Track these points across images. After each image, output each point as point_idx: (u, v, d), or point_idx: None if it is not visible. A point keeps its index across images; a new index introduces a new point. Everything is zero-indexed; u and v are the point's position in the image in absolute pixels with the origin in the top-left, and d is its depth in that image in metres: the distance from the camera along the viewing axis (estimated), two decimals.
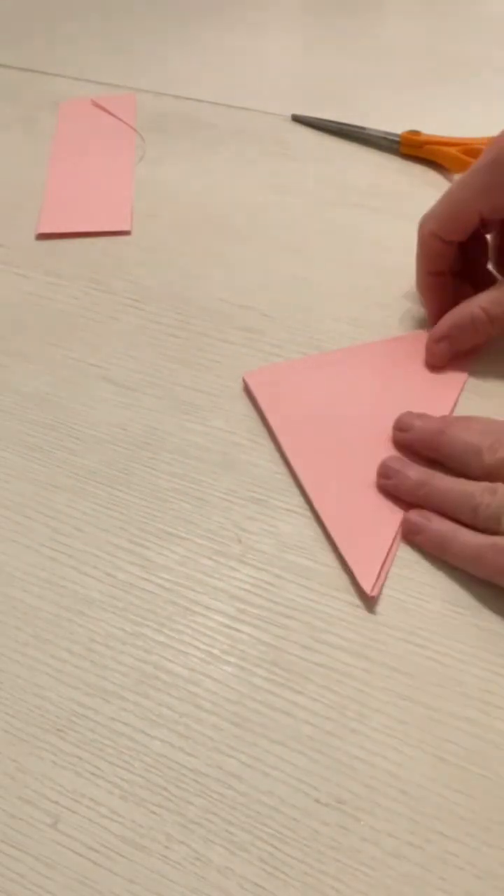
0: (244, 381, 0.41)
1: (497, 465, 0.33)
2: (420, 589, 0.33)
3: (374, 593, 0.32)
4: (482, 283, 0.42)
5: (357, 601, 0.33)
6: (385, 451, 0.37)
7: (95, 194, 0.56)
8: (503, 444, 0.34)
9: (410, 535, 0.34)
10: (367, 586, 0.32)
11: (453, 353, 0.41)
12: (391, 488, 0.35)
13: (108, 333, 0.45)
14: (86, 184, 0.57)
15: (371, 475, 0.36)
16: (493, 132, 0.57)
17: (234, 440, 0.39)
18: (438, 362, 0.41)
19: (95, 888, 0.26)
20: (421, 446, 0.37)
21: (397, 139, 0.59)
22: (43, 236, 0.53)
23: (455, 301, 0.42)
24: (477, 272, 0.44)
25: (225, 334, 0.45)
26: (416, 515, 0.34)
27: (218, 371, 0.43)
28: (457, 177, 0.42)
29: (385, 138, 0.60)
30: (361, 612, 0.32)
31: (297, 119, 0.64)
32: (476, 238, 0.42)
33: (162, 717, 0.29)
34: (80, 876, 0.26)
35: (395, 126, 0.60)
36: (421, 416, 0.37)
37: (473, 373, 0.41)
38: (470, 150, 0.56)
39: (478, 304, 0.40)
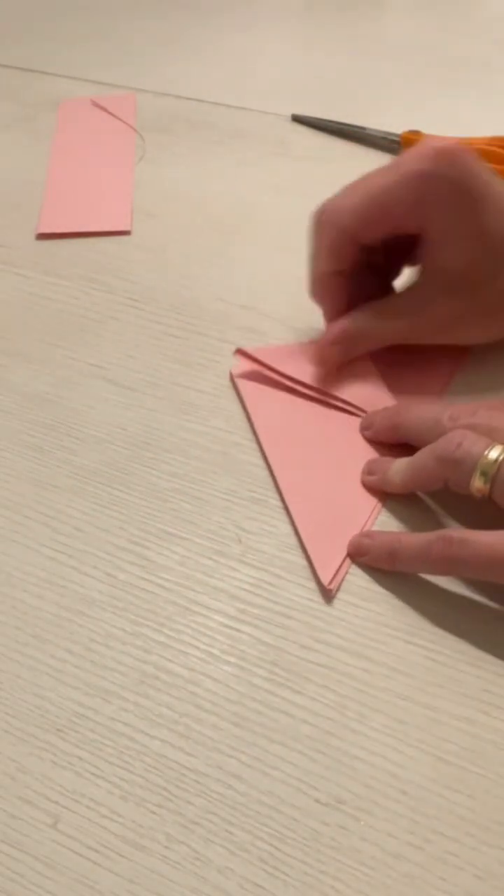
0: (231, 374, 0.42)
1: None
2: (421, 588, 0.33)
3: (332, 586, 0.33)
4: (370, 285, 0.41)
5: (357, 601, 0.33)
6: (361, 444, 0.38)
7: (95, 194, 0.56)
8: (463, 414, 0.34)
9: (358, 557, 0.34)
10: (325, 578, 0.33)
11: (347, 358, 0.40)
12: (375, 483, 0.36)
13: (108, 333, 0.45)
14: (86, 184, 0.57)
15: (345, 470, 0.37)
16: (494, 132, 0.58)
17: (234, 440, 0.39)
18: (330, 366, 0.40)
19: (95, 888, 0.26)
20: (384, 432, 0.37)
21: (397, 139, 0.59)
22: (43, 236, 0.53)
23: (350, 300, 0.40)
24: (367, 274, 0.41)
25: (225, 334, 0.45)
26: (358, 537, 0.34)
27: (218, 371, 0.43)
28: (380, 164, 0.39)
29: (385, 138, 0.60)
30: (362, 612, 0.32)
31: (297, 119, 0.64)
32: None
33: (162, 717, 0.30)
34: (80, 876, 0.26)
35: (395, 126, 0.60)
36: (381, 410, 0.38)
37: (463, 369, 0.41)
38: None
39: (373, 314, 0.40)
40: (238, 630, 0.32)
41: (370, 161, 0.59)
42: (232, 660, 0.31)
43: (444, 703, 0.29)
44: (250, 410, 0.40)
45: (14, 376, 0.43)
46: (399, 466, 0.35)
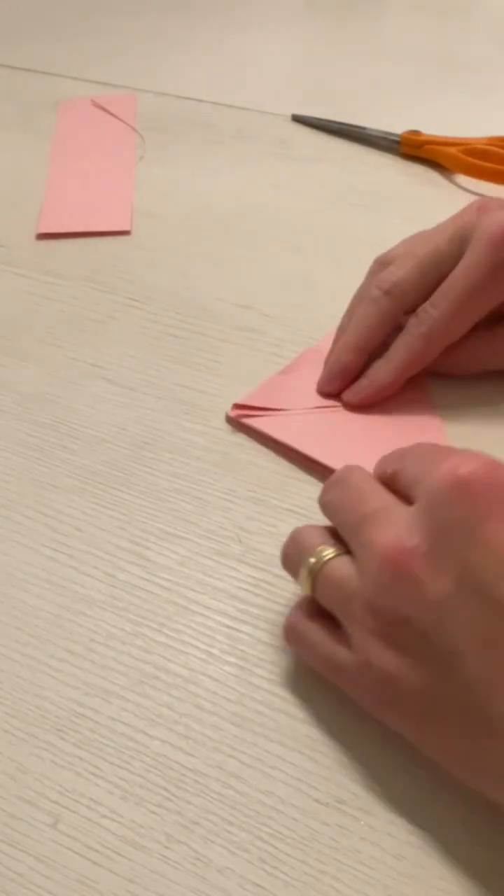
0: (229, 416, 0.40)
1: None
2: None
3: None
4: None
5: None
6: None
7: (95, 194, 0.56)
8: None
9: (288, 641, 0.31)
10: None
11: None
12: None
13: (108, 333, 0.45)
14: (86, 184, 0.57)
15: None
16: (493, 132, 0.58)
17: (234, 440, 0.39)
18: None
19: (95, 888, 0.26)
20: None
21: (397, 139, 0.59)
22: (43, 236, 0.53)
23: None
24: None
25: (225, 334, 0.45)
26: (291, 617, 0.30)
27: (218, 371, 0.43)
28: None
29: (385, 138, 0.60)
30: None
31: (297, 119, 0.64)
32: None
33: (162, 717, 0.30)
34: (80, 876, 0.26)
35: (395, 126, 0.60)
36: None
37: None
38: (470, 150, 0.56)
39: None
40: (238, 630, 0.32)
41: (370, 161, 0.59)
42: (232, 660, 0.31)
43: None
44: (278, 437, 0.38)
45: (14, 376, 0.43)
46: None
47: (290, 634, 0.30)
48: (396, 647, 0.26)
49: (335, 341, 0.42)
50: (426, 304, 0.38)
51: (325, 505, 0.30)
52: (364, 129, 0.61)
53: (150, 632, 0.32)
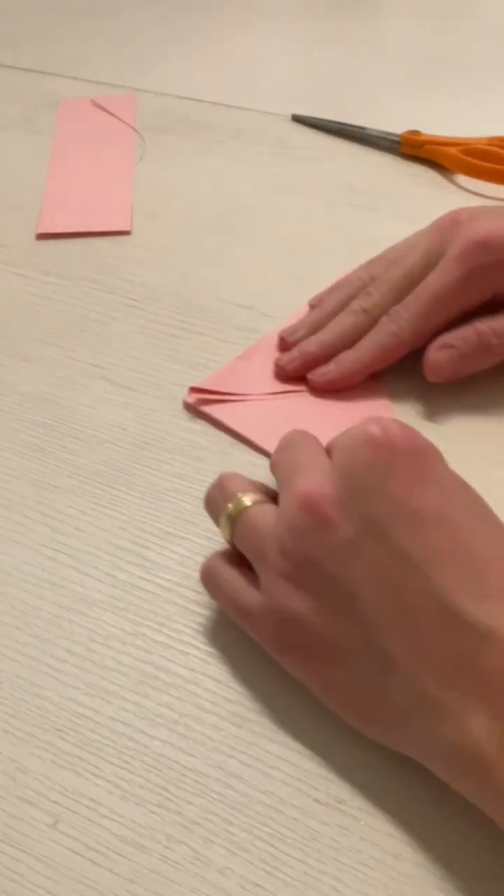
0: (187, 403, 0.41)
1: None
2: None
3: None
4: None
5: None
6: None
7: (95, 194, 0.56)
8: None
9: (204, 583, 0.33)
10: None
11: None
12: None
13: (108, 333, 0.45)
14: (86, 184, 0.57)
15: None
16: (493, 132, 0.58)
17: (234, 440, 0.39)
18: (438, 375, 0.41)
19: (95, 888, 0.26)
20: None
21: (397, 139, 0.59)
22: (43, 236, 0.53)
23: None
24: None
25: (225, 334, 0.45)
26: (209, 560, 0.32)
27: (218, 371, 0.43)
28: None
29: (385, 138, 0.60)
30: None
31: (297, 119, 0.64)
32: None
33: (162, 717, 0.30)
34: (80, 876, 0.26)
35: (395, 126, 0.60)
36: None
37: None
38: (470, 150, 0.56)
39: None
40: (238, 630, 0.32)
41: (370, 161, 0.59)
42: (232, 660, 0.31)
43: None
44: (232, 425, 0.39)
45: (14, 376, 0.43)
46: None
47: (204, 576, 0.32)
48: (304, 590, 0.28)
49: (308, 315, 0.44)
50: (399, 306, 0.41)
51: (272, 466, 0.32)
52: (364, 129, 0.61)
53: (150, 632, 0.32)
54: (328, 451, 0.31)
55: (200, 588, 0.33)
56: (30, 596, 0.33)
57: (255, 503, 0.30)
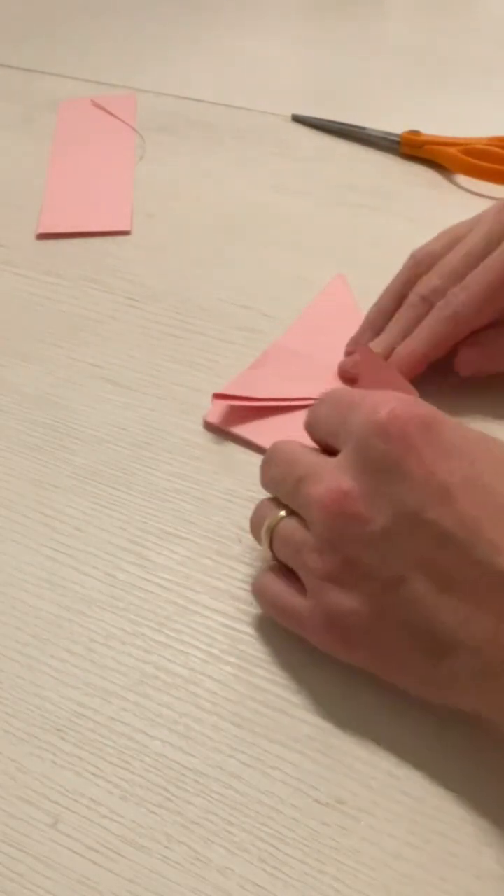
0: (208, 422, 0.40)
1: None
2: None
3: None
4: None
5: None
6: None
7: (95, 194, 0.56)
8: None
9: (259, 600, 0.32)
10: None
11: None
12: None
13: (108, 333, 0.45)
14: (86, 184, 0.57)
15: None
16: (493, 132, 0.58)
17: (234, 440, 0.39)
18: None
19: (95, 888, 0.26)
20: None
21: (397, 139, 0.59)
22: (43, 236, 0.53)
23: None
24: None
25: (225, 334, 0.45)
26: (261, 576, 0.32)
27: (218, 371, 0.43)
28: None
29: (385, 138, 0.60)
30: None
31: (297, 119, 0.64)
32: None
33: (162, 717, 0.30)
34: (80, 876, 0.26)
35: (395, 126, 0.60)
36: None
37: None
38: (470, 150, 0.56)
39: None
40: (238, 630, 0.32)
41: (370, 161, 0.59)
42: (232, 660, 0.31)
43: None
44: (261, 443, 0.38)
45: (14, 376, 0.43)
46: None
47: (255, 592, 0.32)
48: (349, 587, 0.28)
49: (362, 329, 0.42)
50: (455, 288, 0.39)
51: (266, 485, 0.32)
52: (364, 129, 0.61)
53: (150, 632, 0.32)
54: (326, 440, 0.30)
55: (200, 588, 0.33)
56: (30, 596, 0.33)
57: (284, 517, 0.30)
